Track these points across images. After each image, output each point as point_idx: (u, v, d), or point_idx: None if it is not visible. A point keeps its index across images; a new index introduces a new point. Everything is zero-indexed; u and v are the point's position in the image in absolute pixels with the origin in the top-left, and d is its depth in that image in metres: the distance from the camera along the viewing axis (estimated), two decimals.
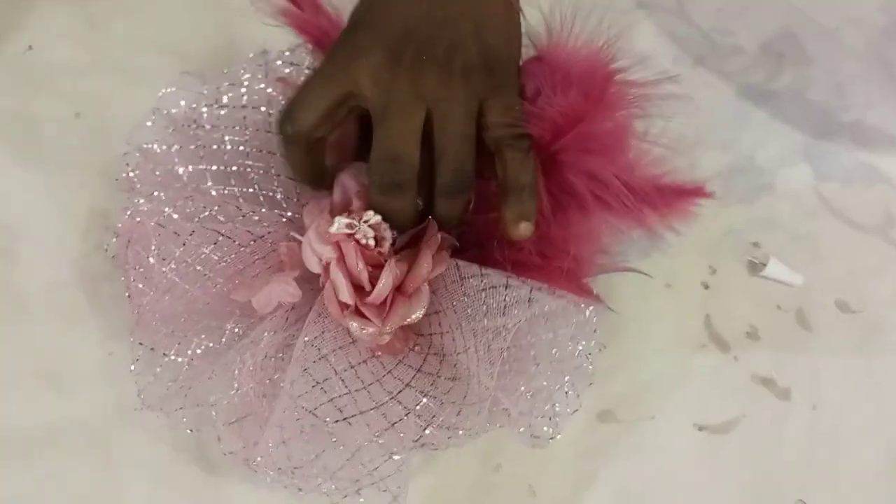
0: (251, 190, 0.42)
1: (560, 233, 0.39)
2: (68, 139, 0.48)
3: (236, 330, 0.41)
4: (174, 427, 0.41)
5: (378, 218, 0.37)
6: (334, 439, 0.38)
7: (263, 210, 0.41)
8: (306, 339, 0.37)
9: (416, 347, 0.39)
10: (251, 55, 0.44)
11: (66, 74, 0.50)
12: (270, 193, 0.42)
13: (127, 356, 0.41)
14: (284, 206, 0.42)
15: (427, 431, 0.37)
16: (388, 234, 0.37)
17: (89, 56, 0.51)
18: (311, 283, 0.39)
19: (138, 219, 0.40)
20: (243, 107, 0.43)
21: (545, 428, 0.40)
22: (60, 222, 0.46)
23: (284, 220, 0.41)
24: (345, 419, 0.37)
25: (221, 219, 0.40)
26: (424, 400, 0.37)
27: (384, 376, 0.38)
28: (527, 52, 0.41)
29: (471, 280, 0.38)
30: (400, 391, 0.37)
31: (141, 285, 0.40)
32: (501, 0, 0.39)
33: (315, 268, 0.37)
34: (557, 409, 0.40)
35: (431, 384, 0.38)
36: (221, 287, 0.39)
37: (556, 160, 0.38)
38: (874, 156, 0.54)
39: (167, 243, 0.39)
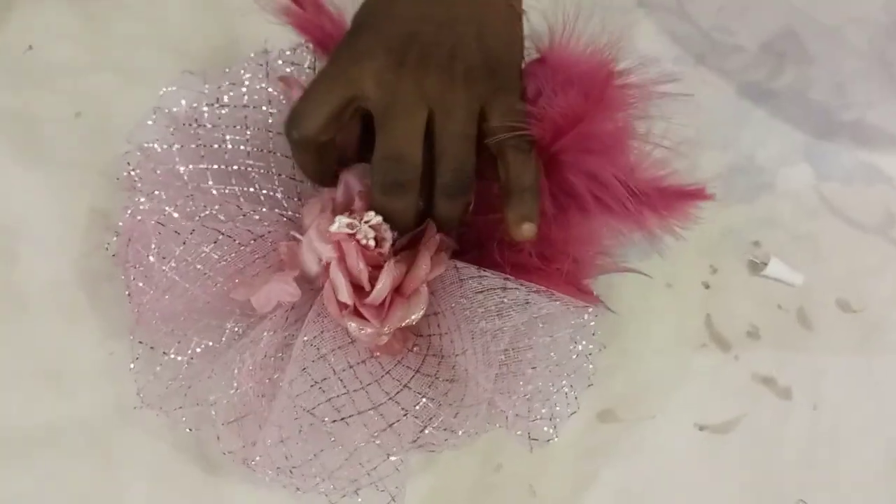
0: (252, 189, 0.42)
1: (560, 234, 0.39)
2: (68, 139, 0.48)
3: (236, 329, 0.41)
4: (174, 426, 0.41)
5: (379, 218, 0.37)
6: (333, 439, 0.38)
7: (264, 209, 0.41)
8: (305, 338, 0.37)
9: (415, 348, 0.39)
10: (252, 55, 0.43)
11: (67, 74, 0.50)
12: (271, 193, 0.42)
13: (127, 356, 0.41)
14: (285, 205, 0.42)
15: (425, 432, 0.38)
16: (388, 235, 0.37)
17: (90, 55, 0.51)
18: (311, 283, 0.39)
19: (139, 217, 0.40)
20: (244, 106, 0.43)
21: (545, 429, 0.40)
22: (60, 222, 0.46)
23: (284, 219, 0.41)
24: (342, 419, 0.37)
25: (222, 218, 0.40)
26: (423, 401, 0.38)
27: (383, 377, 0.38)
28: (529, 55, 0.41)
29: (469, 282, 0.38)
30: (398, 392, 0.37)
31: (141, 284, 0.40)
32: (504, 3, 0.39)
33: (312, 269, 0.37)
34: (557, 409, 0.40)
35: (430, 385, 0.38)
36: (221, 286, 0.39)
37: (556, 160, 0.38)
38: (875, 155, 0.54)
39: (167, 242, 0.39)
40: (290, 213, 0.41)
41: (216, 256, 0.39)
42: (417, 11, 0.38)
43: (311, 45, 0.43)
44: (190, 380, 0.40)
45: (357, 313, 0.36)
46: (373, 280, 0.36)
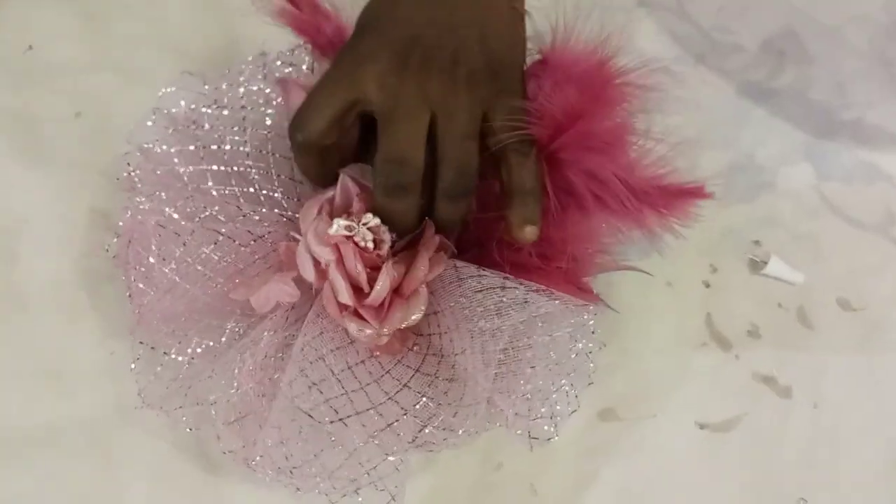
0: (251, 190, 0.42)
1: (560, 233, 0.39)
2: (69, 139, 0.48)
3: (237, 329, 0.41)
4: (174, 426, 0.41)
5: (377, 220, 0.37)
6: (333, 439, 0.38)
7: (263, 210, 0.41)
8: (305, 339, 0.37)
9: (415, 348, 0.39)
10: (250, 57, 0.44)
11: (67, 74, 0.50)
12: (270, 193, 0.42)
13: (127, 355, 0.41)
14: (285, 205, 0.42)
15: (424, 431, 0.38)
16: (386, 237, 0.37)
17: (90, 55, 0.51)
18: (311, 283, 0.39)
19: (139, 217, 0.40)
20: (242, 107, 0.43)
21: (545, 427, 0.40)
22: (60, 222, 0.46)
23: (284, 219, 0.41)
24: (341, 419, 0.37)
25: (222, 218, 0.40)
26: (423, 400, 0.37)
27: (382, 376, 0.38)
28: (532, 56, 0.41)
29: (468, 281, 0.38)
30: (398, 391, 0.37)
31: (142, 285, 0.40)
32: (506, 5, 0.39)
33: (308, 274, 0.37)
34: (557, 408, 0.40)
35: (429, 384, 0.38)
36: (222, 286, 0.39)
37: (555, 158, 0.38)
38: (875, 154, 0.54)
39: (168, 243, 0.39)
40: (289, 213, 0.41)
41: (216, 257, 0.39)
42: (420, 14, 0.38)
43: (309, 46, 0.43)
44: (190, 380, 0.40)
45: (357, 314, 0.36)
46: (371, 281, 0.36)
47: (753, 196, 0.52)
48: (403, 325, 0.37)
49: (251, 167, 0.42)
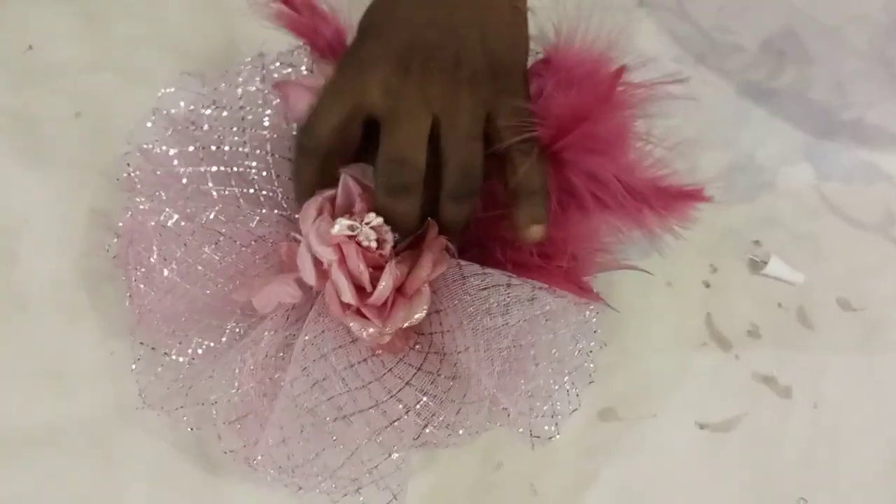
0: (251, 190, 0.42)
1: (560, 232, 0.39)
2: (69, 139, 0.48)
3: (237, 329, 0.41)
4: (175, 426, 0.41)
5: (380, 220, 0.37)
6: (334, 438, 0.38)
7: (264, 210, 0.41)
8: (306, 338, 0.37)
9: (417, 346, 0.39)
10: (248, 58, 0.44)
11: (67, 74, 0.50)
12: (270, 194, 0.42)
13: (128, 355, 0.41)
14: (284, 206, 0.42)
15: (427, 430, 0.38)
16: (389, 237, 0.37)
17: (89, 55, 0.51)
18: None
19: (140, 218, 0.40)
20: (241, 108, 0.43)
21: (546, 427, 0.40)
22: (61, 222, 0.46)
23: (285, 220, 0.41)
24: (344, 417, 0.37)
25: (222, 218, 0.40)
26: (424, 398, 0.38)
27: (384, 375, 0.38)
28: (535, 55, 0.41)
29: (472, 279, 0.38)
30: (400, 389, 0.37)
31: (142, 286, 0.40)
32: (508, 4, 0.39)
33: (309, 277, 0.37)
34: (558, 407, 0.40)
35: (431, 383, 0.38)
36: (223, 287, 0.39)
37: (558, 158, 0.38)
38: (875, 154, 0.54)
39: (168, 244, 0.39)
40: (289, 213, 0.41)
41: (217, 258, 0.39)
42: (421, 16, 0.38)
43: (307, 48, 0.43)
44: (191, 380, 0.40)
45: (359, 313, 0.37)
46: (374, 281, 0.36)
47: (753, 196, 0.52)
48: (406, 325, 0.37)
49: (251, 168, 0.42)
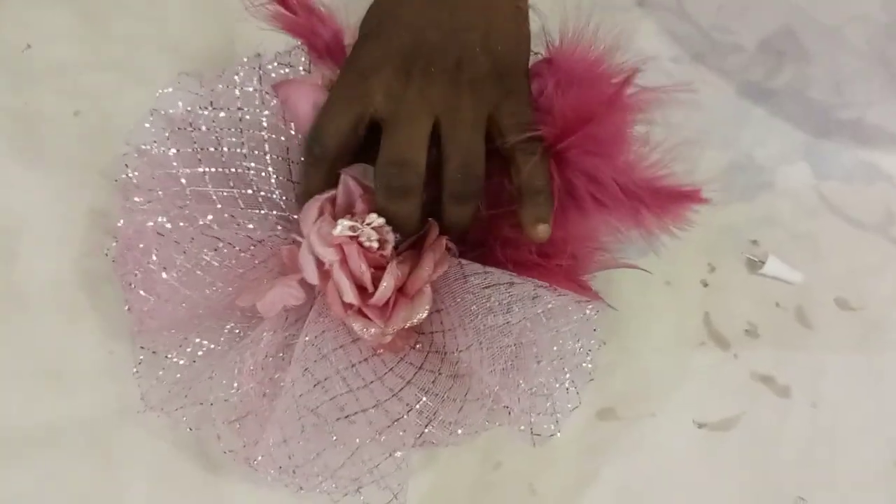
0: (250, 191, 0.42)
1: (560, 232, 0.39)
2: (68, 138, 0.48)
3: (237, 330, 0.41)
4: (175, 426, 0.41)
5: (381, 220, 0.37)
6: (335, 438, 0.38)
7: (262, 211, 0.41)
8: (307, 338, 0.37)
9: (418, 345, 0.39)
10: (245, 59, 0.44)
11: (66, 73, 0.50)
12: (269, 194, 0.42)
13: (127, 355, 0.41)
14: (283, 206, 0.42)
15: (428, 429, 0.38)
16: (390, 237, 0.37)
17: (89, 54, 0.51)
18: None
19: (140, 218, 0.40)
20: (239, 109, 0.43)
21: (546, 425, 0.40)
22: (60, 221, 0.46)
23: (284, 221, 0.41)
24: (346, 417, 0.37)
25: (223, 219, 0.40)
26: (425, 398, 0.38)
27: (385, 374, 0.38)
28: (537, 54, 0.41)
29: (473, 278, 0.38)
30: (401, 388, 0.38)
31: (142, 292, 0.40)
32: (509, 5, 0.39)
33: (311, 276, 0.37)
34: (558, 405, 0.40)
35: (433, 382, 0.38)
36: (223, 291, 0.39)
37: (560, 158, 0.38)
38: (874, 154, 0.54)
39: (167, 249, 0.39)
40: (288, 213, 0.41)
41: (216, 263, 0.39)
42: (423, 17, 0.38)
43: (305, 48, 0.43)
44: (191, 381, 0.40)
45: (361, 313, 0.37)
46: (375, 281, 0.36)
47: (752, 195, 0.52)
48: (408, 325, 0.37)
49: (249, 168, 0.42)
